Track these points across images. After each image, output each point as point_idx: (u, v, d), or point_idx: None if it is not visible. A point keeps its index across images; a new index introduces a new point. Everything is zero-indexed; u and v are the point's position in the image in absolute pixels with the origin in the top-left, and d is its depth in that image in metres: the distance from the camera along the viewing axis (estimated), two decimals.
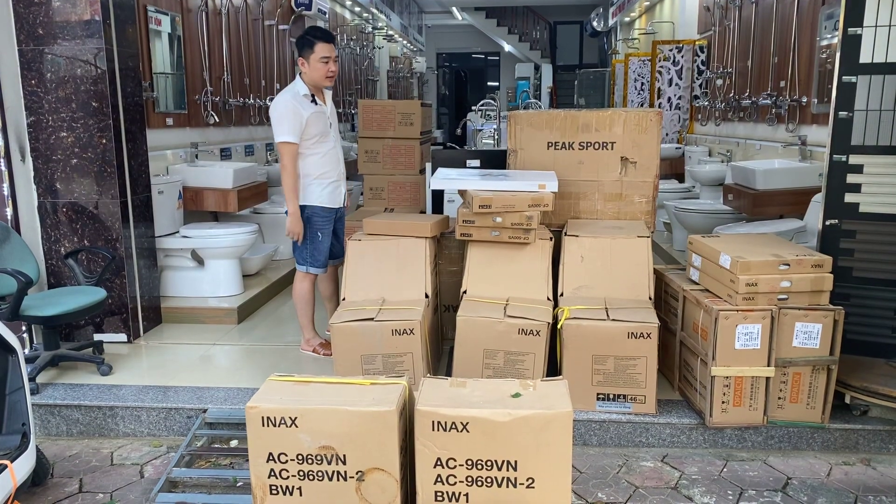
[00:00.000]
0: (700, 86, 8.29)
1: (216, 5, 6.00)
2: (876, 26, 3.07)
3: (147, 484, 2.90)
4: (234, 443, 3.18)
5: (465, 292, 3.39)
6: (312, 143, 3.68)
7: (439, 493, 1.99)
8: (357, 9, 11.38)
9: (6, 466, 2.44)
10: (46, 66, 3.84)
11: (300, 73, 3.70)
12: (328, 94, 3.85)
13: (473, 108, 7.43)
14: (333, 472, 2.01)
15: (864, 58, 3.11)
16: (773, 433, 3.11)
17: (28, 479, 2.66)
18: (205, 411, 3.27)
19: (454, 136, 9.67)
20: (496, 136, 6.56)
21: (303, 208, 3.73)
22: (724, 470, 2.98)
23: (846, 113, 3.17)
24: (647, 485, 2.87)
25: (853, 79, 3.13)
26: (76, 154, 3.91)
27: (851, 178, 3.22)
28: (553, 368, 3.22)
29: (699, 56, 8.30)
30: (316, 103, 3.69)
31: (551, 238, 3.51)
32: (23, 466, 2.55)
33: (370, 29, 12.26)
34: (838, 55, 3.15)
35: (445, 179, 3.68)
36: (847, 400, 3.12)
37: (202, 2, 5.71)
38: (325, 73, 3.64)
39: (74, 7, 3.80)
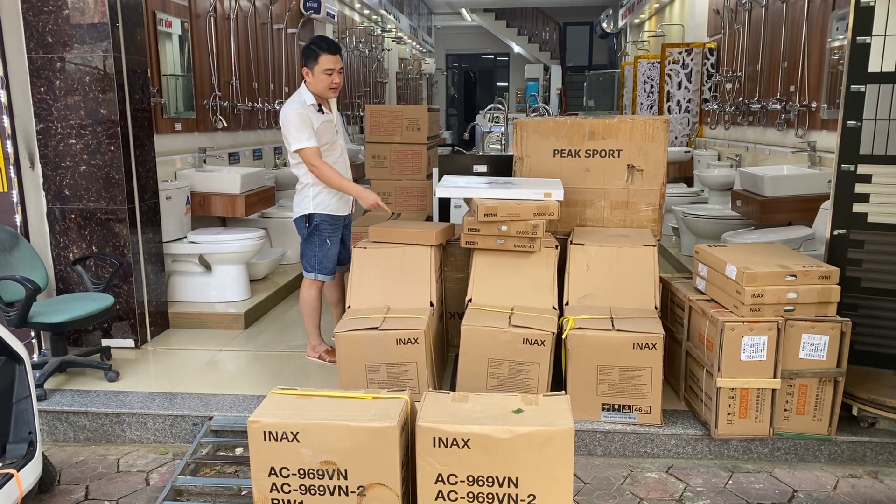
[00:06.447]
0: (709, 89, 8.25)
1: (225, 10, 6.02)
2: (885, 35, 3.05)
3: (152, 492, 2.92)
4: (239, 451, 3.19)
5: (469, 300, 3.39)
6: (321, 152, 3.68)
7: None
8: (366, 11, 11.39)
9: (13, 476, 2.46)
10: (55, 74, 3.86)
11: (305, 82, 3.71)
12: (333, 102, 3.87)
13: (481, 111, 7.43)
14: (335, 486, 2.02)
15: (873, 67, 3.09)
16: (779, 445, 3.09)
17: (35, 487, 2.69)
18: (210, 419, 3.29)
19: (462, 140, 9.67)
20: (504, 141, 6.54)
21: (311, 216, 3.74)
22: (730, 482, 2.96)
23: (854, 122, 3.15)
24: (652, 496, 2.86)
25: (861, 88, 3.11)
26: (84, 161, 3.94)
27: (860, 188, 3.19)
28: (558, 378, 3.21)
29: (708, 59, 8.26)
30: (323, 112, 3.70)
31: (557, 246, 3.50)
32: (29, 475, 2.57)
33: (379, 31, 12.28)
34: (847, 64, 3.13)
35: (451, 187, 3.68)
36: (854, 412, 3.10)
37: (211, 6, 5.73)
38: (328, 85, 3.66)
39: (83, 14, 3.82)
